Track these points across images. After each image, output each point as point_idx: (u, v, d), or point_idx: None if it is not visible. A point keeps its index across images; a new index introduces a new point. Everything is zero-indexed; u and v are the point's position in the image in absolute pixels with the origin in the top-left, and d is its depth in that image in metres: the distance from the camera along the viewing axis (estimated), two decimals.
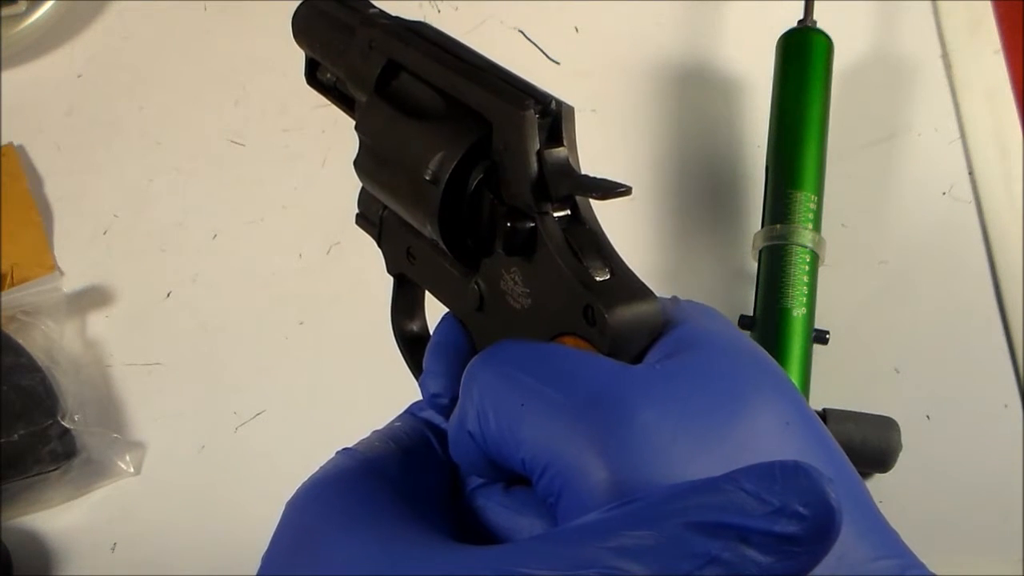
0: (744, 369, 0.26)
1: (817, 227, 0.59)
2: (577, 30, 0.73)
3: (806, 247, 0.57)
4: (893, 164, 0.65)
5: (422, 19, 0.35)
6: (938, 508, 0.55)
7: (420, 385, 0.33)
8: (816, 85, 0.62)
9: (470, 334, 0.32)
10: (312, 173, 0.71)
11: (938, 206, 0.64)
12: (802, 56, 0.62)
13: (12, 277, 0.69)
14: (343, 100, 0.37)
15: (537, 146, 0.28)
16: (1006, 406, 0.58)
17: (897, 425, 0.53)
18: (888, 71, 0.68)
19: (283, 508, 0.29)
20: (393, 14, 0.35)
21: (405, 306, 0.37)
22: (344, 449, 0.31)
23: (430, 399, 0.32)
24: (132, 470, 0.63)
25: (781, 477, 0.21)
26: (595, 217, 0.29)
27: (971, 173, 0.64)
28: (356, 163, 0.34)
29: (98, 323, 0.68)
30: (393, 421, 0.33)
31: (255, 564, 0.59)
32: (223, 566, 0.59)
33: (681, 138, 0.68)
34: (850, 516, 0.23)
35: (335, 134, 0.72)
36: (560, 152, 0.28)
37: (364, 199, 0.36)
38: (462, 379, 0.28)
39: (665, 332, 0.28)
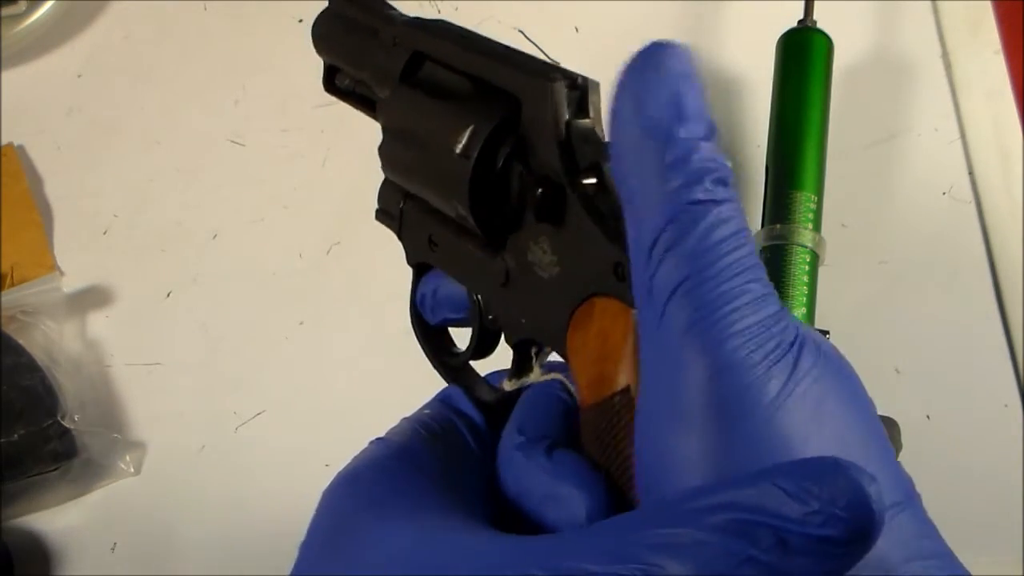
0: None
1: (817, 227, 0.59)
2: (577, 30, 0.73)
3: (806, 247, 0.57)
4: (893, 164, 0.65)
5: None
6: (938, 508, 0.55)
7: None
8: (816, 85, 0.62)
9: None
10: (312, 173, 0.71)
11: (938, 206, 0.64)
12: (802, 56, 0.62)
13: (12, 277, 0.69)
14: (363, 103, 0.38)
15: (566, 116, 0.28)
16: (1006, 406, 0.58)
17: (897, 425, 0.53)
18: (888, 71, 0.68)
19: (319, 498, 0.29)
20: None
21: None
22: (377, 439, 0.31)
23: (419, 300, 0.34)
24: (132, 470, 0.63)
25: (820, 475, 0.21)
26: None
27: (971, 173, 0.64)
28: (380, 151, 0.34)
29: (98, 323, 0.68)
30: (422, 408, 0.33)
31: (256, 564, 0.59)
32: (223, 566, 0.59)
33: None
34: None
35: (335, 134, 0.72)
36: (586, 123, 0.29)
37: (384, 194, 0.36)
38: None
39: None
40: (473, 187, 0.30)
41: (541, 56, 0.33)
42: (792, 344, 0.24)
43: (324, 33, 0.38)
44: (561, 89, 0.28)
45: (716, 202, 0.24)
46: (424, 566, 0.24)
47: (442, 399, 0.34)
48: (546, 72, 0.29)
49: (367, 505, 0.27)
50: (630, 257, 0.25)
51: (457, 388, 0.34)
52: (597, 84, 0.29)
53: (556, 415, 0.29)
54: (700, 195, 0.24)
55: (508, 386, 0.33)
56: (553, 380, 0.31)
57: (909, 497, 0.25)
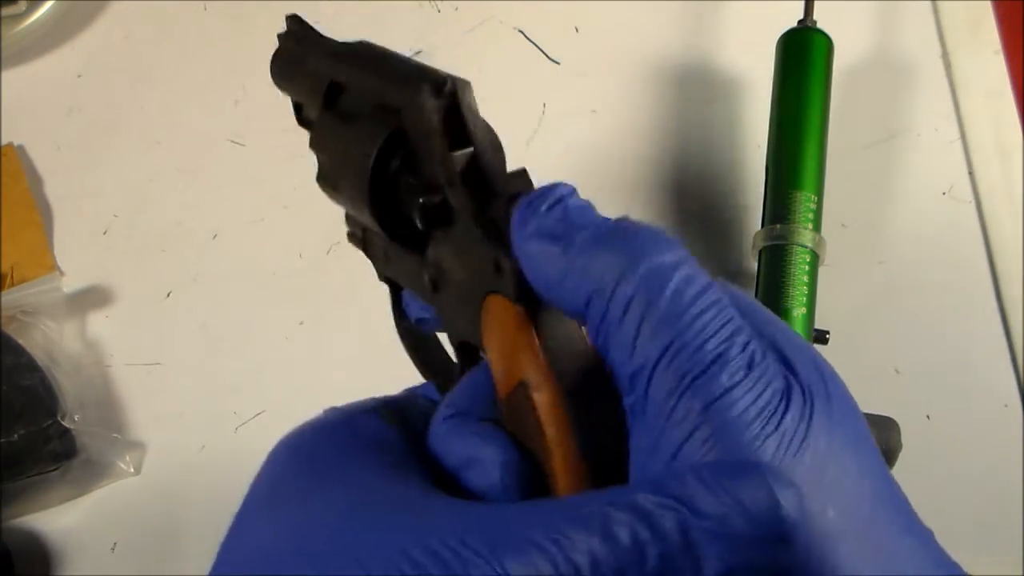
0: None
1: (817, 227, 0.59)
2: (577, 30, 0.73)
3: (806, 247, 0.57)
4: (893, 164, 0.65)
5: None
6: (938, 508, 0.55)
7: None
8: (816, 85, 0.62)
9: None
10: (312, 173, 0.71)
11: (938, 206, 0.64)
12: (802, 56, 0.62)
13: (12, 277, 0.69)
14: None
15: (438, 123, 0.29)
16: (1006, 406, 0.58)
17: (897, 425, 0.53)
18: (888, 71, 0.68)
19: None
20: (339, 39, 0.37)
21: (403, 308, 0.39)
22: (330, 407, 0.31)
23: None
24: (132, 470, 0.63)
25: (735, 475, 0.22)
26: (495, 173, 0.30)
27: (971, 173, 0.64)
28: (318, 179, 0.36)
29: (98, 323, 0.68)
30: (392, 394, 0.34)
31: None
32: None
33: (681, 138, 0.68)
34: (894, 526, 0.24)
35: None
36: (464, 123, 0.29)
37: (350, 216, 0.38)
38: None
39: None
40: (372, 202, 0.31)
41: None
42: (781, 400, 0.24)
43: (276, 71, 0.40)
44: (428, 94, 0.29)
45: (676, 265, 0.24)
46: (356, 532, 0.24)
47: (415, 388, 0.34)
48: (416, 80, 0.29)
49: (299, 472, 0.28)
50: (603, 333, 0.25)
51: (431, 384, 0.35)
52: (466, 83, 0.29)
53: (487, 396, 0.29)
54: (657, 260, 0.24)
55: None
56: (485, 362, 0.31)
57: None
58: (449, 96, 0.29)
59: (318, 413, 0.31)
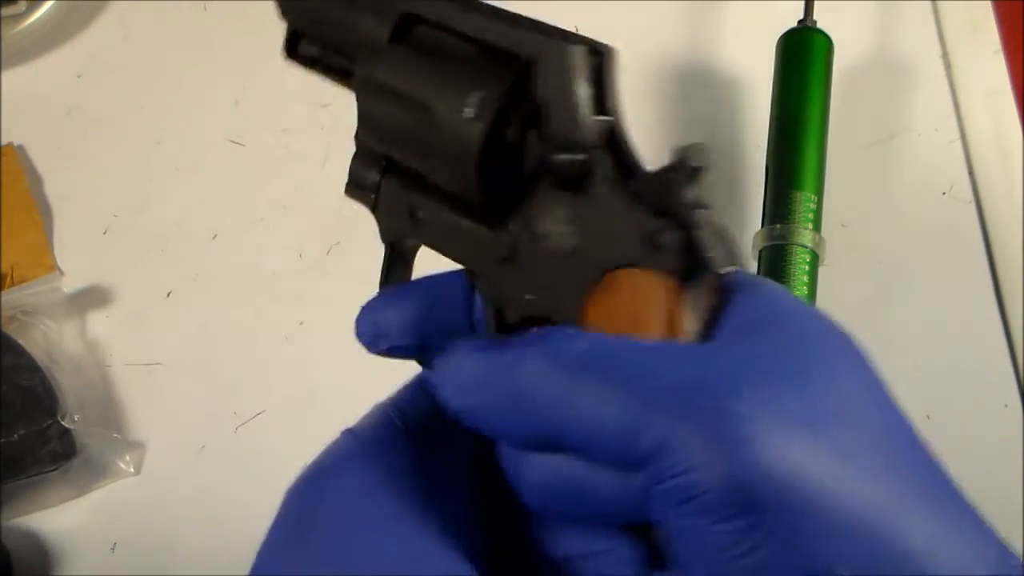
0: (823, 343, 0.27)
1: (817, 227, 0.59)
2: (577, 30, 0.73)
3: (806, 247, 0.57)
4: (893, 164, 0.65)
5: None
6: None
7: (364, 312, 0.32)
8: (816, 85, 0.62)
9: (475, 289, 0.32)
10: (312, 173, 0.71)
11: (938, 206, 0.64)
12: (802, 56, 0.62)
13: (12, 277, 0.69)
14: (332, 71, 0.36)
15: (586, 80, 0.28)
16: (1006, 406, 0.58)
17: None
18: (888, 71, 0.68)
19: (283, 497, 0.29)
20: None
21: (397, 276, 0.35)
22: (347, 431, 0.30)
23: (372, 338, 0.32)
24: (132, 470, 0.63)
25: None
26: (635, 149, 0.29)
27: (971, 173, 0.64)
28: (361, 115, 0.32)
29: (98, 323, 0.68)
30: (401, 392, 0.32)
31: None
32: (223, 566, 0.59)
33: (681, 138, 0.68)
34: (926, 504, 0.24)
35: (335, 134, 0.72)
36: (606, 89, 0.28)
37: (358, 166, 0.34)
38: (511, 358, 0.26)
39: (732, 303, 0.28)
40: (483, 154, 0.29)
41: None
42: None
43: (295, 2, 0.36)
44: (583, 53, 0.28)
45: None
46: (389, 566, 0.24)
47: (423, 382, 0.32)
48: (564, 35, 0.28)
49: (324, 506, 0.27)
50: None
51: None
52: (614, 51, 0.28)
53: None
54: None
55: None
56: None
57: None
58: (602, 58, 0.28)
59: (336, 438, 0.30)
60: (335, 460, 0.28)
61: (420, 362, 0.34)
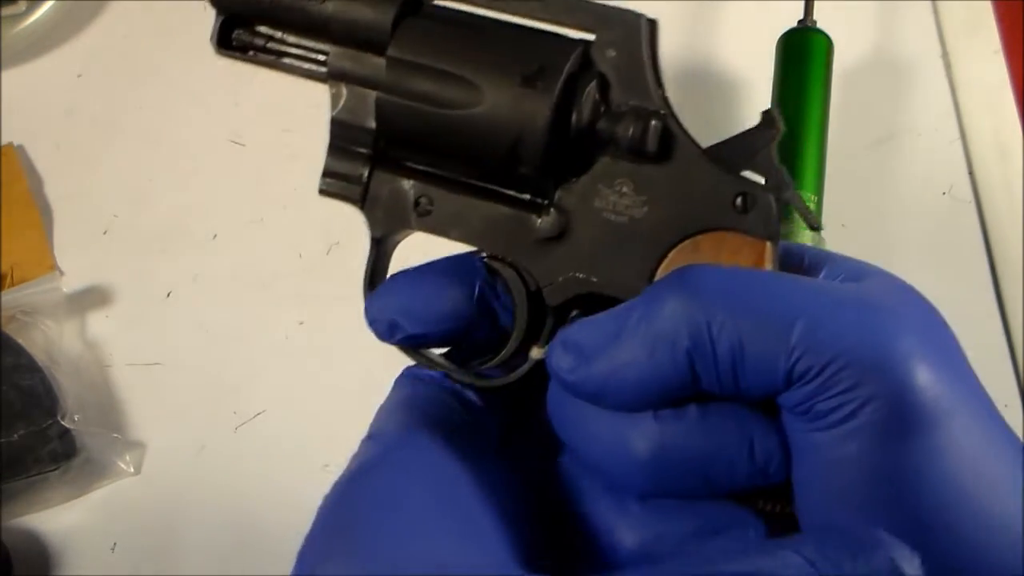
0: (911, 290, 0.31)
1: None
2: None
3: None
4: (893, 164, 0.65)
5: None
6: None
7: (376, 299, 0.31)
8: (816, 85, 0.62)
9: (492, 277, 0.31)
10: (312, 173, 0.71)
11: (938, 206, 0.64)
12: (802, 56, 0.62)
13: (12, 277, 0.69)
14: (275, 57, 0.35)
15: (651, 49, 0.28)
16: (1006, 406, 0.58)
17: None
18: (888, 71, 0.68)
19: (316, 510, 0.28)
20: None
21: (382, 272, 0.34)
22: (367, 438, 0.30)
23: (388, 326, 0.31)
24: (132, 470, 0.63)
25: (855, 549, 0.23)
26: None
27: (971, 173, 0.64)
28: (382, 94, 0.30)
29: (98, 323, 0.68)
30: (399, 391, 0.32)
31: (256, 564, 0.59)
32: (223, 566, 0.59)
33: None
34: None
35: None
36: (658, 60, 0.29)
37: (337, 161, 0.33)
38: (651, 303, 0.26)
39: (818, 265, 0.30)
40: (552, 129, 0.28)
41: None
42: None
43: None
44: (647, 22, 0.28)
45: None
46: (426, 566, 0.24)
47: (417, 375, 0.32)
48: (628, 10, 0.28)
49: (369, 508, 0.27)
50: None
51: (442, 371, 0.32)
52: (658, 23, 0.29)
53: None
54: None
55: (537, 354, 0.30)
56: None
57: None
58: (655, 28, 0.28)
59: (359, 448, 0.29)
60: (363, 468, 0.28)
61: (412, 354, 0.33)
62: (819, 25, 0.63)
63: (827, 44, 0.63)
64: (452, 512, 0.26)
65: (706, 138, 0.71)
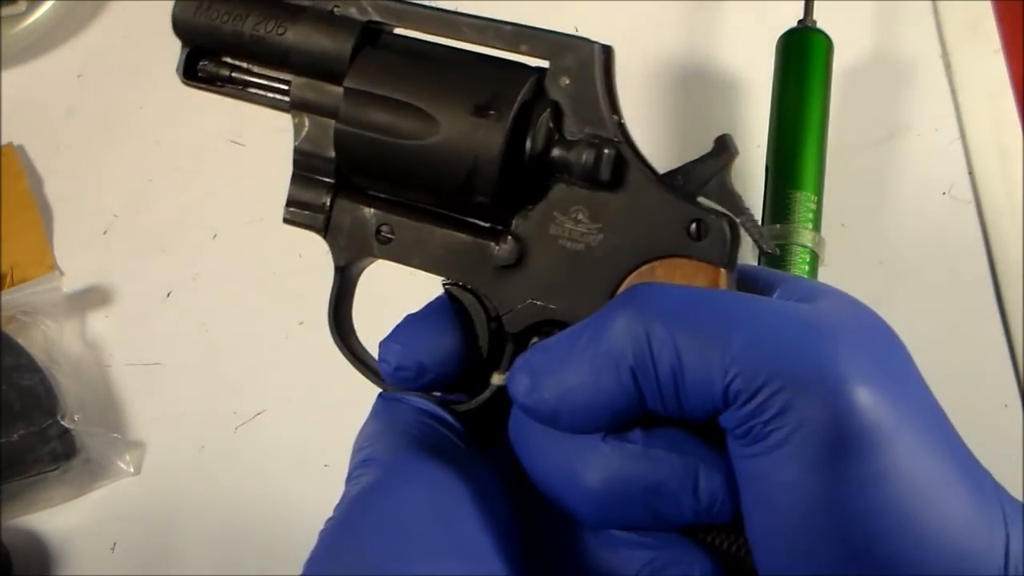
0: (863, 310, 0.30)
1: (817, 227, 0.59)
2: (577, 30, 0.73)
3: (806, 247, 0.57)
4: (893, 164, 0.65)
5: None
6: None
7: (384, 351, 0.32)
8: (816, 85, 0.62)
9: (465, 307, 0.31)
10: None
11: (938, 206, 0.64)
12: (802, 56, 0.62)
13: (12, 277, 0.69)
14: (238, 85, 0.36)
15: (605, 77, 0.28)
16: (1006, 406, 0.58)
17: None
18: (888, 71, 0.68)
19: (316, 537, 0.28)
20: None
21: (347, 295, 0.35)
22: (364, 461, 0.30)
23: (394, 372, 0.32)
24: (132, 470, 0.63)
25: None
26: None
27: (971, 173, 0.64)
28: (340, 124, 0.31)
29: (98, 323, 0.68)
30: (381, 417, 0.32)
31: (256, 564, 0.59)
32: (223, 566, 0.59)
33: (681, 138, 0.68)
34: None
35: None
36: (613, 87, 0.29)
37: (300, 188, 0.34)
38: (598, 323, 0.26)
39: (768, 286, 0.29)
40: (505, 157, 0.28)
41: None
42: None
43: (194, 23, 0.34)
44: (601, 50, 0.28)
45: None
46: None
47: (398, 398, 0.32)
48: (580, 38, 0.29)
49: (371, 533, 0.27)
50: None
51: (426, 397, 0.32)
52: (613, 50, 0.29)
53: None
54: None
55: (498, 380, 0.31)
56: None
57: None
58: (610, 56, 0.28)
59: (357, 477, 0.29)
60: (364, 493, 0.28)
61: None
62: (819, 25, 0.63)
63: (827, 44, 0.63)
64: (452, 534, 0.27)
65: (705, 138, 0.71)
